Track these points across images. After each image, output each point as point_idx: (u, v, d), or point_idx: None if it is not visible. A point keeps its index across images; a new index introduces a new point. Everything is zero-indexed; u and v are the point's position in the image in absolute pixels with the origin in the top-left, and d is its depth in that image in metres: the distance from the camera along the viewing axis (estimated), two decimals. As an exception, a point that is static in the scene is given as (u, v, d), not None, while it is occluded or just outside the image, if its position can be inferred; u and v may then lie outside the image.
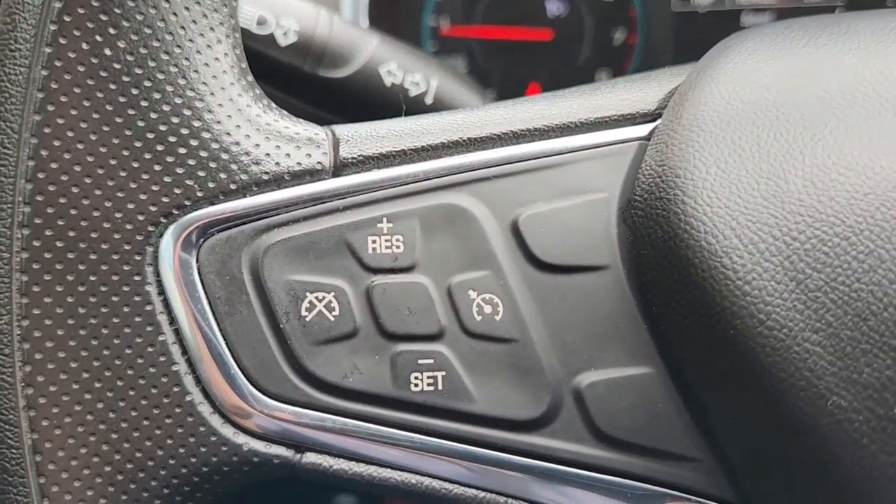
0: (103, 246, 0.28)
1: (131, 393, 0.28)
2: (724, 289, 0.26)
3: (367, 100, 0.45)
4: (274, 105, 0.32)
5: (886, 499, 0.25)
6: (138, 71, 0.28)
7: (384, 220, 0.30)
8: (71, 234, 0.28)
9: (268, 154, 0.30)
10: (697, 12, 0.68)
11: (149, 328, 0.29)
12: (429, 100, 0.47)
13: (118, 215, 0.28)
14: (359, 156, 0.31)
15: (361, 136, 0.31)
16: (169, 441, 0.28)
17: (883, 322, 0.25)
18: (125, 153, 0.28)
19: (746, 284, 0.26)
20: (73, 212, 0.28)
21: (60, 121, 0.28)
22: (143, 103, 0.28)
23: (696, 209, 0.28)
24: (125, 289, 0.29)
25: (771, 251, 0.26)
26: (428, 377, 0.29)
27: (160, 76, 0.28)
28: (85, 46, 0.28)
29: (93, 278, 0.28)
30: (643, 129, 0.32)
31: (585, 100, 0.33)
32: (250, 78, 0.31)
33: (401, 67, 0.46)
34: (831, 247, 0.26)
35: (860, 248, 0.25)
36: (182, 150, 0.29)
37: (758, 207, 0.27)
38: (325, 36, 0.45)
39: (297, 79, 0.45)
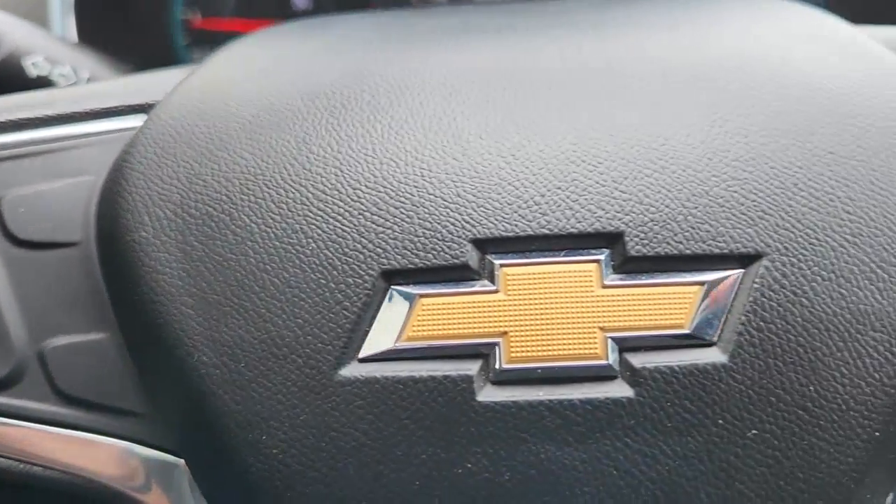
0: None
1: None
2: (134, 259, 0.29)
3: (10, 91, 0.47)
4: None
5: (249, 444, 0.27)
6: None
7: None
8: None
9: None
10: (437, 2, 0.70)
11: None
12: (79, 91, 0.49)
13: None
14: None
15: None
16: None
17: (242, 287, 0.27)
18: None
19: (146, 256, 0.29)
20: None
21: None
22: None
23: (127, 189, 0.30)
24: None
25: (171, 226, 0.29)
26: None
27: None
28: None
29: None
30: (140, 119, 0.34)
31: (108, 88, 0.36)
32: None
33: (48, 60, 0.48)
34: (217, 222, 0.28)
35: (238, 223, 0.28)
36: None
37: (171, 189, 0.29)
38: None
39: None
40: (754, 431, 0.26)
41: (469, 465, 0.26)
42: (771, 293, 0.26)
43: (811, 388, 0.26)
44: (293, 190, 0.28)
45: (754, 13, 0.35)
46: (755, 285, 0.26)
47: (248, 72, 0.34)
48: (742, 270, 0.27)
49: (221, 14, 0.71)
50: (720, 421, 0.26)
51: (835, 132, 0.29)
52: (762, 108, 0.29)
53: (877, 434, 0.27)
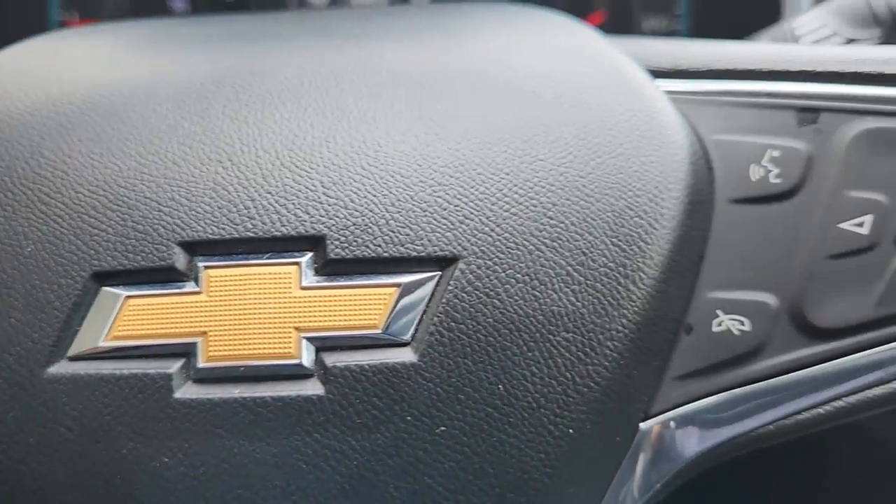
0: None
1: None
2: None
3: None
4: None
5: None
6: None
7: None
8: None
9: None
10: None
11: None
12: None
13: None
14: None
15: None
16: None
17: None
18: None
19: None
20: None
21: None
22: None
23: None
24: None
25: None
26: None
27: None
28: None
29: None
30: None
31: None
32: None
33: None
34: None
35: None
36: None
37: None
38: None
39: None
40: (443, 428, 0.27)
41: (166, 460, 0.27)
42: (464, 295, 0.27)
43: (500, 386, 0.27)
44: (20, 193, 0.29)
45: (500, 22, 0.36)
46: (449, 287, 0.27)
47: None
48: (439, 273, 0.28)
49: (100, 16, 0.71)
50: (408, 418, 0.27)
51: (551, 140, 0.30)
52: (483, 116, 0.30)
53: (570, 431, 0.28)
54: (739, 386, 0.31)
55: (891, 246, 0.30)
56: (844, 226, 0.31)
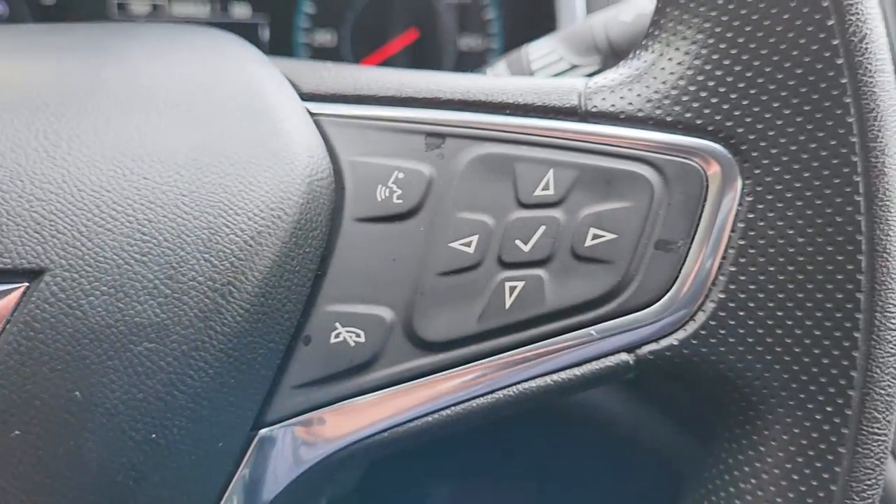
0: None
1: None
2: None
3: None
4: None
5: None
6: None
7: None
8: None
9: None
10: (135, 21, 0.72)
11: None
12: None
13: None
14: None
15: None
16: None
17: None
18: None
19: None
20: None
21: None
22: None
23: None
24: None
25: None
26: None
27: None
28: None
29: None
30: None
31: None
32: None
33: None
34: None
35: None
36: None
37: None
38: None
39: None
40: (17, 432, 0.28)
41: None
42: (47, 306, 0.29)
43: (77, 393, 0.29)
44: None
45: (160, 41, 0.37)
46: (33, 299, 0.29)
47: None
48: (26, 284, 0.29)
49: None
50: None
51: (162, 159, 0.31)
52: (97, 134, 0.31)
53: (153, 437, 0.29)
54: (356, 395, 0.33)
55: (493, 264, 0.32)
56: (454, 245, 0.33)
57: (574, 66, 0.48)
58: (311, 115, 0.35)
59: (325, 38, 0.73)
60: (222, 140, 0.32)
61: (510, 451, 0.65)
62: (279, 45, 0.72)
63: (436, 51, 0.74)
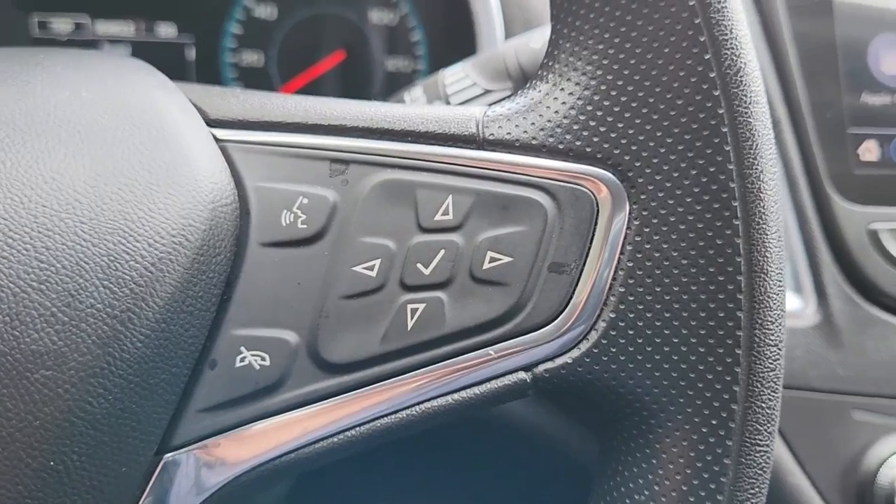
0: None
1: None
2: None
3: None
4: None
5: None
6: None
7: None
8: None
9: None
10: (57, 39, 0.72)
11: None
12: None
13: None
14: None
15: None
16: None
17: None
18: None
19: None
20: None
21: None
22: None
23: None
24: None
25: None
26: None
27: None
28: None
29: None
30: None
31: None
32: None
33: None
34: None
35: None
36: None
37: None
38: None
39: None
40: None
41: None
42: (-61, 335, 0.29)
43: (-29, 422, 0.28)
44: None
45: (70, 67, 0.37)
46: None
47: None
48: None
49: None
50: None
51: (61, 187, 0.31)
52: (2, 159, 0.31)
53: (52, 464, 0.29)
54: (262, 418, 0.33)
55: (396, 287, 0.33)
56: (357, 269, 0.33)
57: (487, 91, 0.50)
58: (217, 140, 0.35)
59: (252, 58, 0.73)
60: (124, 166, 0.32)
61: (437, 465, 0.66)
62: (206, 66, 0.72)
63: (363, 71, 0.75)
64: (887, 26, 0.63)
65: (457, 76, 0.50)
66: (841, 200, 0.60)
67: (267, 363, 0.33)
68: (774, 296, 0.33)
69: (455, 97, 0.50)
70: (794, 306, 0.59)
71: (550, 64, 0.34)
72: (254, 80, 0.73)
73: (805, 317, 0.59)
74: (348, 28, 0.74)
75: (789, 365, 0.58)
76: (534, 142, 0.34)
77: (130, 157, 0.33)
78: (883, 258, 0.59)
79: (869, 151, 0.61)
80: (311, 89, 0.74)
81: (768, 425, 0.33)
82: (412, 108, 0.36)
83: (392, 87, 0.75)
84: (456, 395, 0.33)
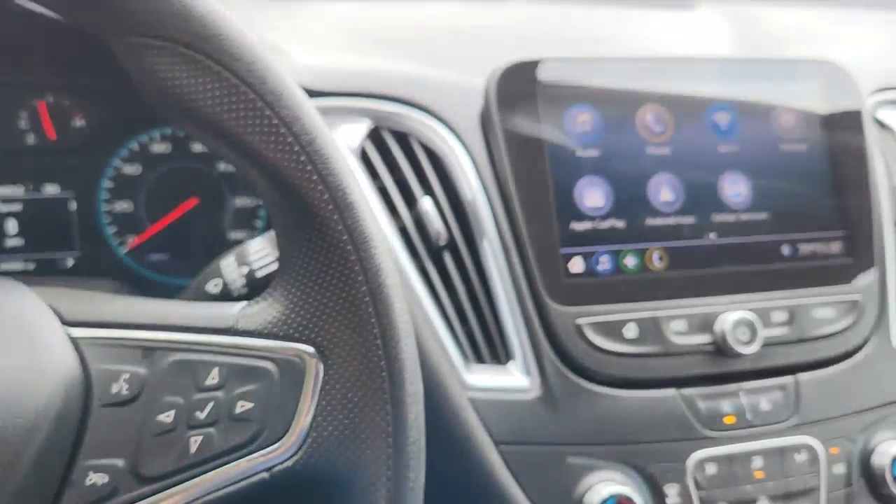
0: None
1: None
2: None
3: None
4: None
5: None
6: None
7: None
8: None
9: None
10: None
11: None
12: None
13: None
14: None
15: None
16: None
17: None
18: None
19: None
20: None
21: None
22: None
23: None
24: None
25: None
26: None
27: None
28: None
29: None
30: None
31: None
32: None
33: None
34: None
35: None
36: None
37: None
38: None
39: None
40: None
41: None
42: None
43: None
44: None
45: None
46: None
47: None
48: None
49: None
50: None
51: None
52: None
53: None
54: None
55: (184, 427, 0.54)
56: (160, 417, 0.54)
57: (278, 258, 0.71)
58: (70, 338, 0.55)
59: (123, 206, 0.93)
60: None
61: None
62: (85, 215, 0.92)
63: (217, 209, 0.95)
64: (590, 169, 0.87)
65: (258, 247, 0.71)
66: (554, 304, 0.83)
67: (106, 480, 0.53)
68: (411, 386, 0.55)
69: (258, 266, 0.70)
70: (523, 384, 0.83)
71: (274, 286, 0.56)
72: (126, 223, 0.93)
73: (531, 391, 0.82)
74: (200, 177, 0.94)
75: (520, 427, 0.81)
76: (266, 330, 0.55)
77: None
78: (586, 344, 0.83)
79: (575, 265, 0.85)
80: (176, 226, 0.94)
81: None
82: (197, 307, 0.57)
83: (240, 220, 0.96)
84: (223, 491, 0.54)
